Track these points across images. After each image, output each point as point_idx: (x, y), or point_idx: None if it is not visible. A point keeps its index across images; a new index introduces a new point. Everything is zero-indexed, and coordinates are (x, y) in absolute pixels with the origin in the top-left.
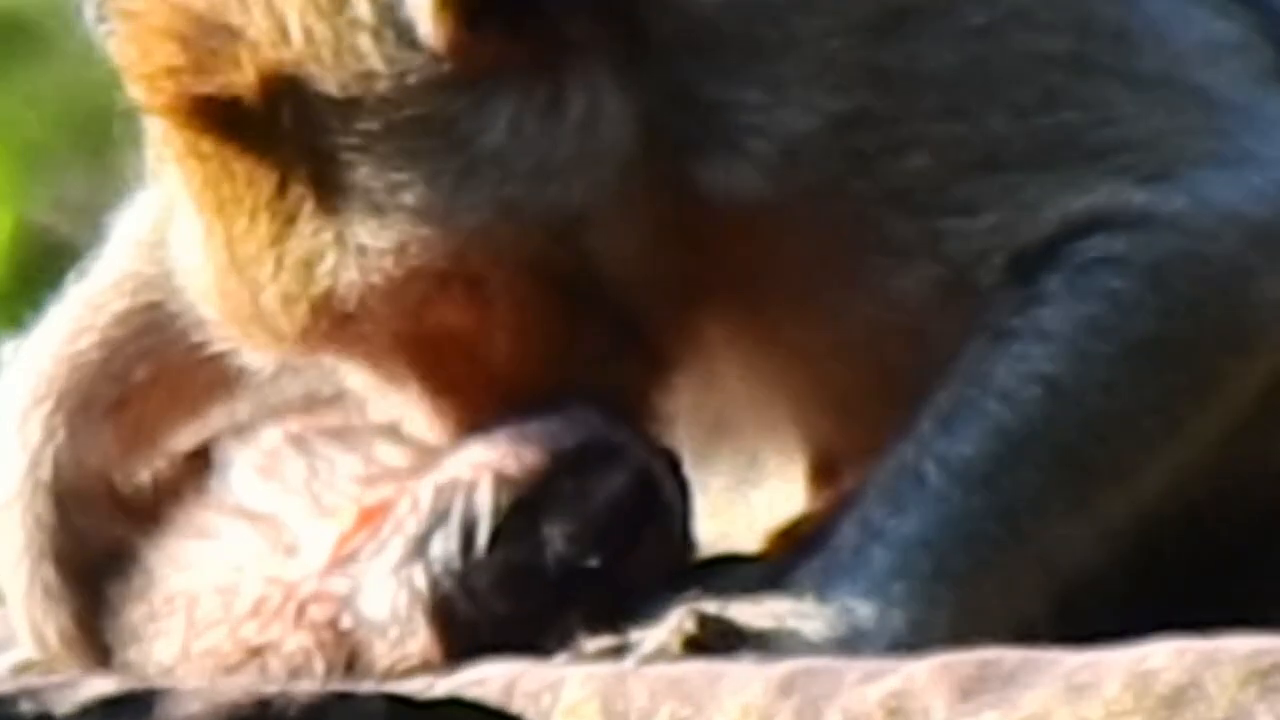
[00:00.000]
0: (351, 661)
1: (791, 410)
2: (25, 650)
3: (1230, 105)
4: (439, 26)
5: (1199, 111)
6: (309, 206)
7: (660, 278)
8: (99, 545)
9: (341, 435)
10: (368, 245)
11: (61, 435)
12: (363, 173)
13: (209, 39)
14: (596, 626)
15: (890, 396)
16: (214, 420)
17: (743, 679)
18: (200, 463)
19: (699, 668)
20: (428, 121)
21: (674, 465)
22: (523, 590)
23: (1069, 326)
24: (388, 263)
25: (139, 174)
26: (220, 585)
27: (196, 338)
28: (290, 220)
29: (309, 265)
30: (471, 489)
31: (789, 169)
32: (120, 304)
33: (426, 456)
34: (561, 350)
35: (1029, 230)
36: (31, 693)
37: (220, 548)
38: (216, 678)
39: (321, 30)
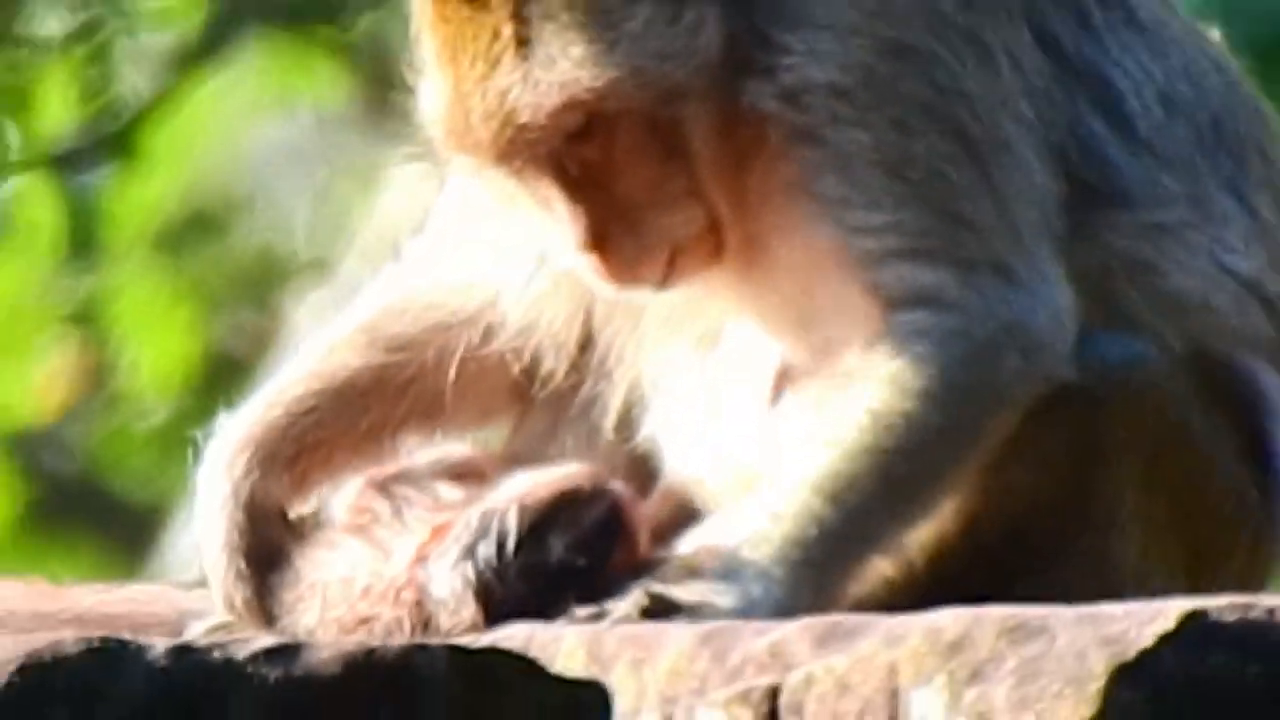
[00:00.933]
0: (425, 626)
1: (763, 314)
2: (218, 617)
3: (1027, 245)
4: None
5: (1013, 243)
6: (509, 54)
7: (715, 152)
8: (271, 548)
9: (409, 479)
10: (541, 81)
11: (255, 474)
12: (546, 33)
13: None
14: (584, 602)
15: (832, 324)
16: (351, 475)
17: (677, 634)
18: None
19: (649, 627)
20: (592, 7)
21: (630, 506)
22: (536, 580)
23: (884, 374)
24: (554, 95)
25: (293, 314)
26: (342, 578)
27: (347, 426)
28: (495, 63)
29: (504, 94)
30: (504, 514)
31: (793, 104)
32: (299, 390)
33: (473, 493)
34: (657, 183)
35: (890, 280)
36: (220, 645)
37: (341, 555)
38: (340, 637)
39: None
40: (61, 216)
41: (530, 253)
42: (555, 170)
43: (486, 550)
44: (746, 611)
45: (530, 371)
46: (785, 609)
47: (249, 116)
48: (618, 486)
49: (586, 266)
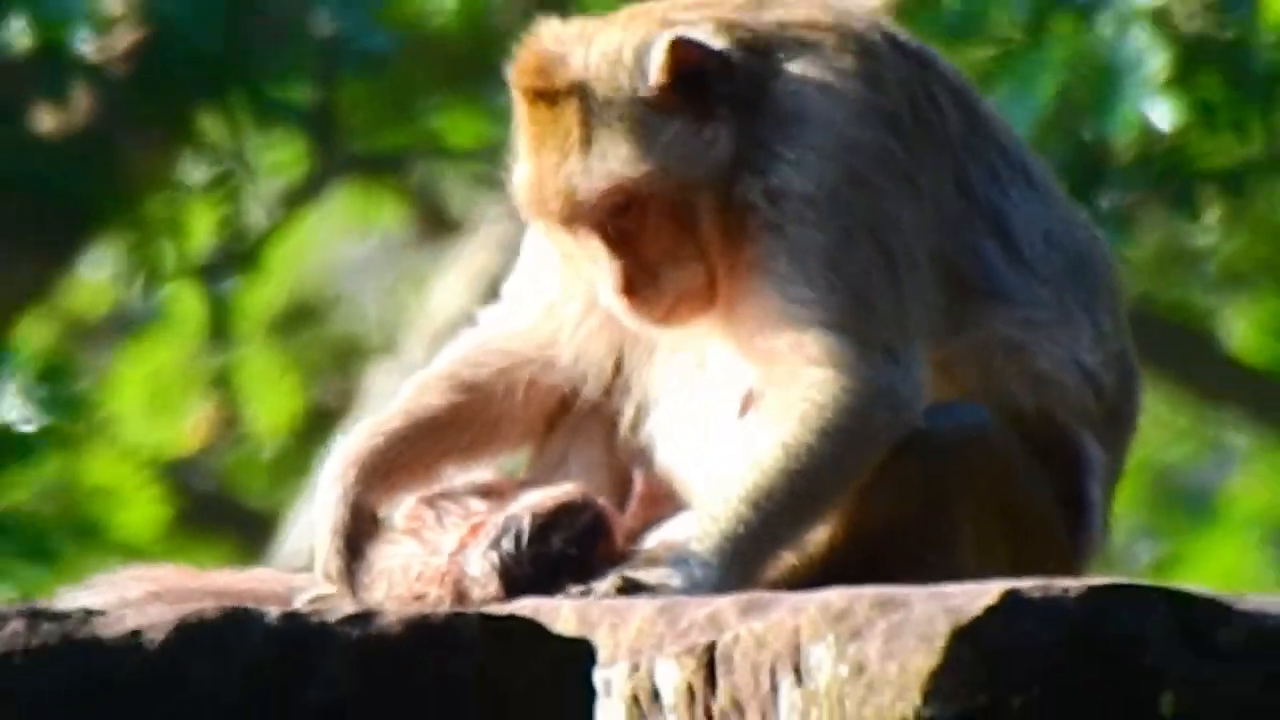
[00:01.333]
0: (460, 599)
1: (735, 350)
2: (316, 591)
3: (909, 336)
4: (659, 79)
5: (900, 334)
6: (575, 149)
7: (715, 228)
8: (360, 539)
9: (449, 496)
10: (596, 171)
11: (359, 484)
12: (602, 137)
13: (553, 63)
14: (576, 583)
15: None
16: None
17: (643, 606)
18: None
19: (623, 601)
20: (638, 120)
21: (611, 515)
22: (541, 566)
23: (793, 416)
24: (604, 182)
25: (367, 379)
26: (401, 566)
27: (425, 452)
28: (566, 155)
29: (570, 177)
30: (520, 519)
31: (772, 202)
32: (395, 424)
33: (495, 505)
34: (673, 248)
35: (811, 342)
36: (317, 612)
37: (400, 550)
38: (400, 608)
39: (607, 68)
40: (203, 311)
41: (580, 302)
42: (602, 234)
43: (507, 544)
44: (691, 590)
45: (573, 396)
46: (720, 588)
47: (336, 239)
48: (602, 501)
49: (618, 305)
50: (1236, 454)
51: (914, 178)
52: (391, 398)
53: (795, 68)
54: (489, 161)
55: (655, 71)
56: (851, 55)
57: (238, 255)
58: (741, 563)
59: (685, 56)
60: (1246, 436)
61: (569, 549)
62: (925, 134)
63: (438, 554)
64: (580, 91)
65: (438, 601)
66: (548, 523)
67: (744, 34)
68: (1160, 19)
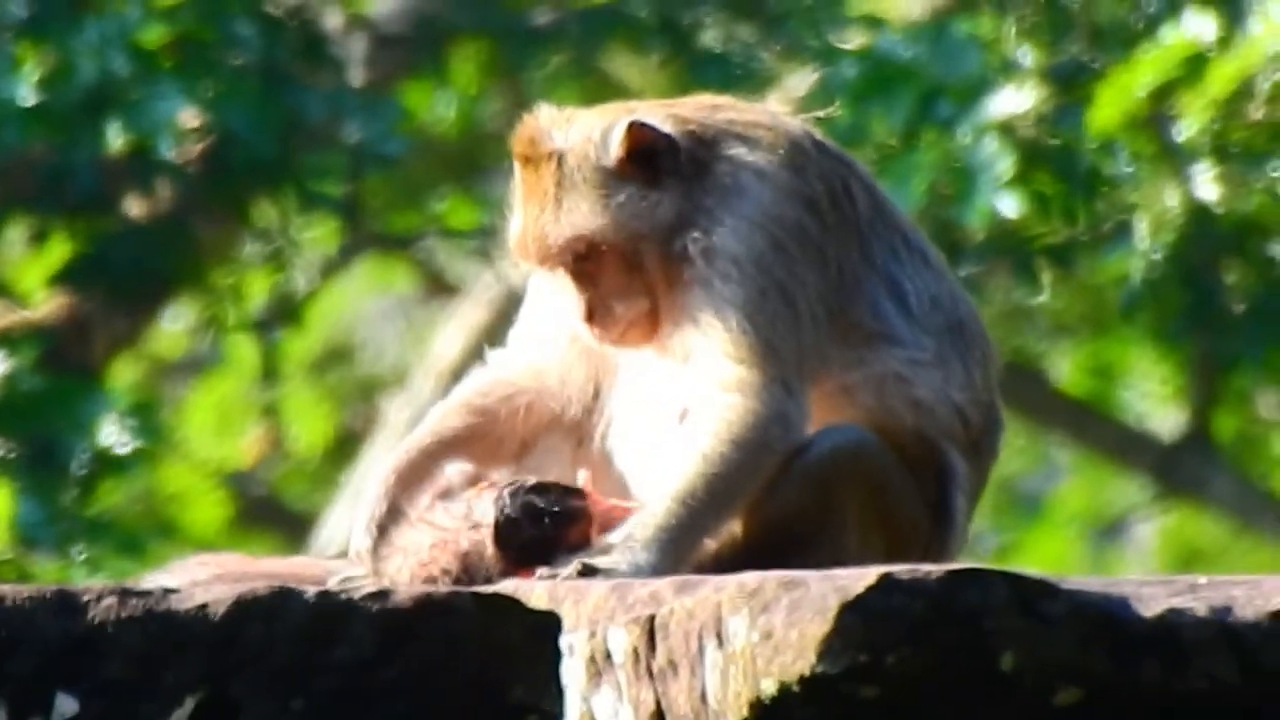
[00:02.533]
0: (464, 565)
1: (671, 373)
2: (345, 574)
3: (801, 375)
4: (617, 153)
5: (795, 372)
6: (550, 204)
7: (658, 272)
8: (388, 527)
9: (449, 494)
10: (564, 223)
11: (396, 488)
12: (571, 195)
13: (541, 135)
14: (547, 566)
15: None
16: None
17: (598, 587)
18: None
19: (582, 582)
20: (599, 185)
21: (592, 503)
22: (527, 513)
23: (710, 430)
24: (569, 232)
25: (387, 409)
26: (415, 545)
27: (446, 462)
28: (542, 209)
29: (544, 226)
30: (524, 480)
31: (705, 258)
32: (424, 441)
33: (482, 488)
34: (625, 285)
35: (726, 374)
36: (345, 590)
37: (411, 535)
38: (412, 584)
39: (580, 142)
40: (256, 356)
41: (565, 339)
42: (569, 273)
43: (509, 491)
44: (636, 574)
45: (561, 416)
46: (659, 571)
47: (361, 298)
48: (589, 497)
49: (583, 329)
50: (1061, 466)
51: (824, 250)
52: (422, 421)
53: (735, 154)
54: (481, 239)
55: (615, 147)
56: (783, 149)
57: (285, 312)
58: (675, 550)
59: (640, 136)
60: (1069, 452)
61: (551, 509)
62: (838, 217)
63: (446, 530)
64: (558, 159)
65: (445, 569)
66: (542, 486)
67: (695, 127)
68: (1006, 129)
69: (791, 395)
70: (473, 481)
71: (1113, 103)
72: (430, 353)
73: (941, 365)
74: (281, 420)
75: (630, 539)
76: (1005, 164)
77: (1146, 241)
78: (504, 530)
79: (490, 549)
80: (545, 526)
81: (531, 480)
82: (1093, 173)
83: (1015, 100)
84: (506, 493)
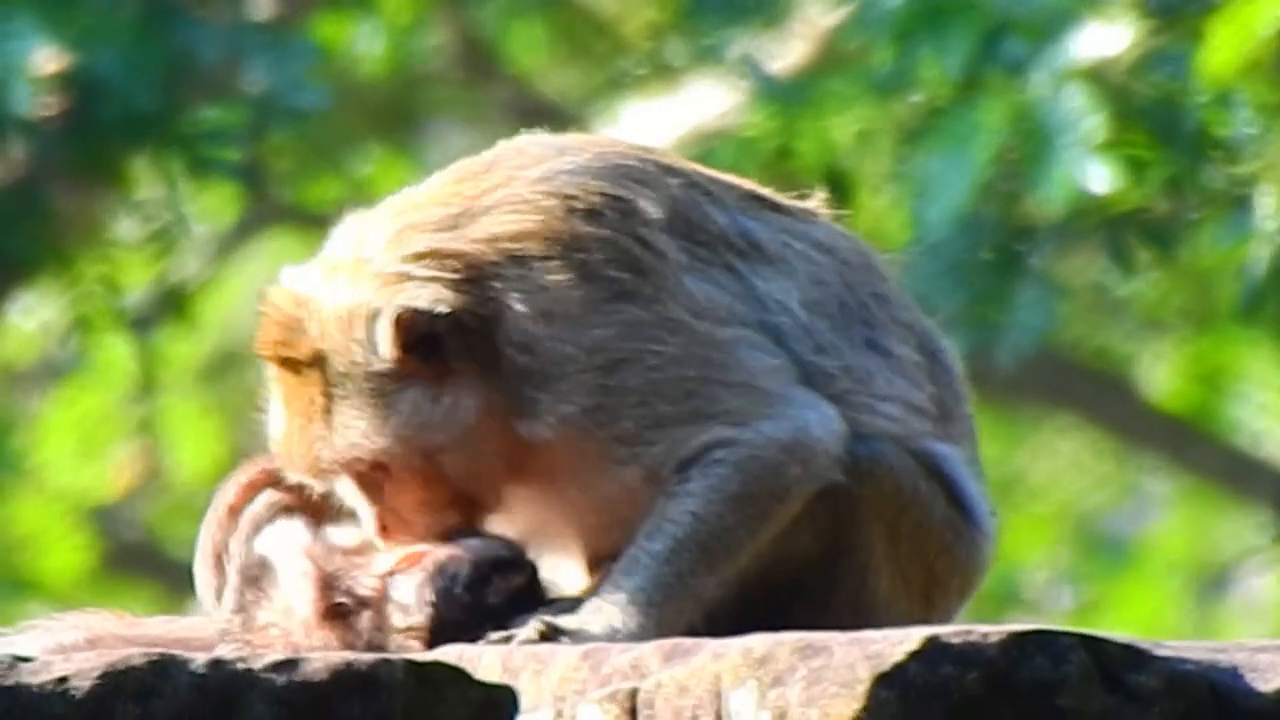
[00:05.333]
0: (379, 624)
1: (575, 534)
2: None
3: (774, 393)
4: (390, 349)
5: (762, 398)
6: (317, 416)
7: (490, 475)
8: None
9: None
10: (337, 441)
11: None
12: (341, 407)
13: (293, 331)
14: (500, 630)
15: (623, 531)
16: None
17: (565, 652)
18: None
19: (545, 647)
20: (375, 392)
21: (536, 566)
22: (470, 614)
23: (701, 488)
24: (345, 452)
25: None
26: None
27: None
28: (309, 419)
29: (311, 442)
30: (460, 563)
31: (563, 429)
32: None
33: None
34: (426, 498)
35: (683, 451)
36: (243, 659)
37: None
38: (326, 651)
39: (340, 339)
40: (130, 359)
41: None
42: (354, 484)
43: (442, 584)
44: (612, 636)
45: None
46: (639, 635)
47: (263, 286)
48: (534, 558)
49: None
50: (1156, 499)
51: (666, 317)
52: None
53: (513, 302)
54: None
55: (385, 346)
56: (558, 259)
57: (167, 306)
58: (657, 611)
59: (413, 325)
60: (1166, 482)
61: (499, 604)
62: (654, 280)
63: (363, 574)
64: (320, 361)
65: (353, 616)
66: (485, 575)
67: (459, 269)
68: (1093, 77)
69: (784, 416)
70: (359, 551)
71: (1229, 43)
72: None
73: (861, 382)
74: (160, 441)
75: (603, 597)
76: (1092, 122)
77: (1271, 220)
78: (435, 629)
79: (420, 620)
80: (485, 610)
81: (468, 566)
82: (1202, 133)
83: (1105, 39)
84: (439, 586)
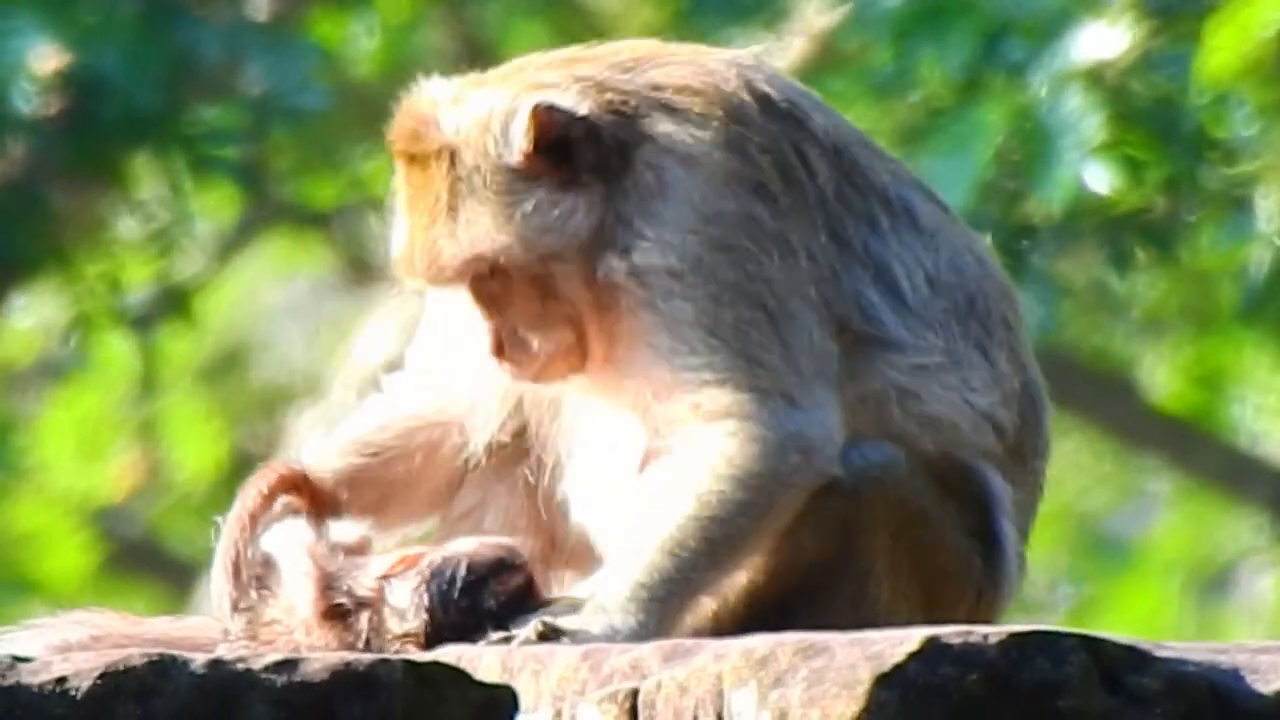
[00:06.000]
0: (376, 627)
1: (627, 412)
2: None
3: (805, 381)
4: (523, 147)
5: (795, 380)
6: (442, 214)
7: (581, 298)
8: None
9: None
10: (460, 237)
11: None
12: (466, 204)
13: (426, 125)
14: (497, 630)
15: (663, 430)
16: None
17: (564, 652)
18: None
19: (544, 647)
20: (501, 189)
21: (538, 575)
22: (468, 617)
23: (707, 466)
24: (466, 249)
25: (293, 425)
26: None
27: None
28: (434, 219)
29: (435, 241)
30: (456, 565)
31: (629, 282)
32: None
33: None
34: (541, 312)
35: (710, 405)
36: (242, 659)
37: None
38: (325, 650)
39: (476, 133)
40: (131, 358)
41: (469, 368)
42: (471, 295)
43: (438, 587)
44: (611, 636)
45: (469, 458)
46: (639, 635)
47: (263, 285)
48: (529, 556)
49: (494, 366)
50: (1157, 500)
51: (785, 237)
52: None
53: (660, 137)
54: None
55: (519, 139)
56: (718, 122)
57: (168, 305)
58: (659, 608)
59: (549, 123)
60: (1166, 483)
61: (495, 607)
62: (794, 194)
63: (363, 576)
64: (450, 156)
65: (352, 617)
66: (481, 578)
67: (613, 96)
68: (1093, 78)
69: (800, 409)
70: (359, 549)
71: (1228, 44)
72: (349, 356)
73: (955, 366)
74: (161, 441)
75: (604, 597)
76: (1092, 123)
77: (1271, 222)
78: (431, 635)
79: (416, 625)
80: (482, 613)
81: (463, 568)
82: (1201, 134)
83: (1104, 41)
84: (435, 590)
